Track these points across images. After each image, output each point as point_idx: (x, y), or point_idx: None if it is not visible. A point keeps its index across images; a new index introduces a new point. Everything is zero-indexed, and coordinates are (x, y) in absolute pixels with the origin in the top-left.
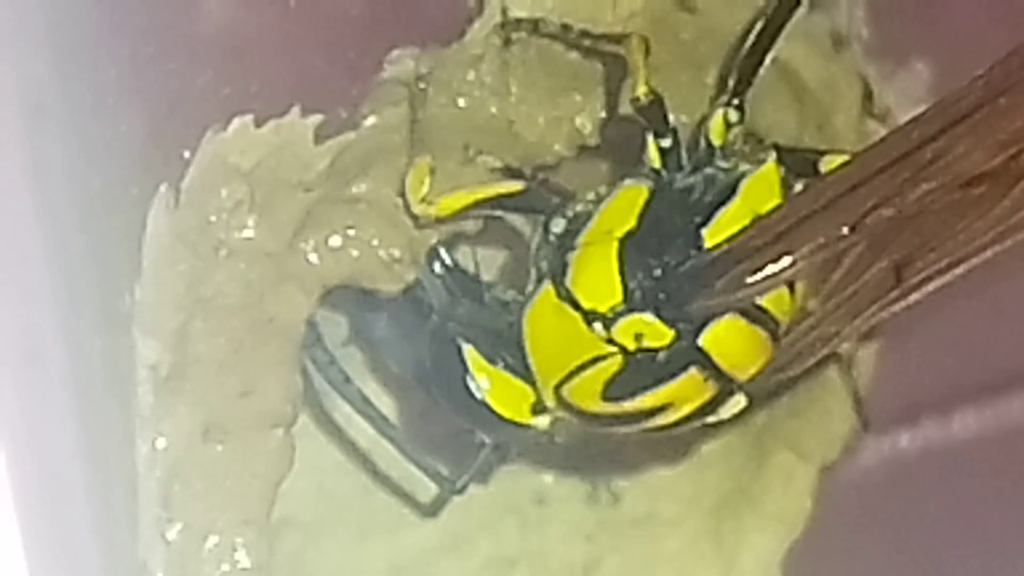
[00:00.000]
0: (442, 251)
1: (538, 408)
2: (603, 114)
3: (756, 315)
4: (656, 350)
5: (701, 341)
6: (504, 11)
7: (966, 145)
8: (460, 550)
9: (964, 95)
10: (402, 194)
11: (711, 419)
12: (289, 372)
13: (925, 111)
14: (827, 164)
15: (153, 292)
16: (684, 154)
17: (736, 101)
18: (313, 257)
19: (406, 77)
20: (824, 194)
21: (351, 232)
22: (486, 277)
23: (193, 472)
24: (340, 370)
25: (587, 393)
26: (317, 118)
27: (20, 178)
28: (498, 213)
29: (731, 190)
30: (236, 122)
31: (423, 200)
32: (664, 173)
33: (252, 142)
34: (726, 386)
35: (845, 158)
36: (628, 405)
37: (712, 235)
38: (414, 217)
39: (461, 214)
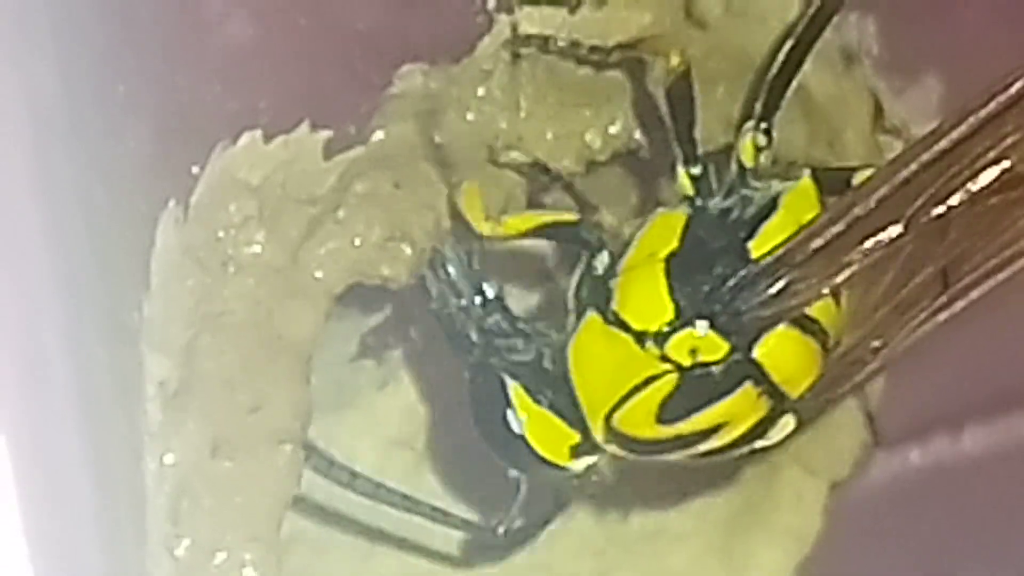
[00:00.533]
0: (486, 286)
1: (579, 451)
2: (613, 129)
3: (807, 325)
4: (711, 364)
5: (755, 353)
6: (514, 27)
7: (1015, 138)
8: (469, 566)
9: (1010, 86)
10: (457, 215)
11: (760, 443)
12: (298, 388)
13: (974, 103)
14: (860, 180)
15: (161, 308)
16: (715, 180)
17: (764, 125)
18: (320, 273)
19: (415, 92)
20: (872, 195)
21: (349, 226)
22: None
23: (202, 488)
24: (343, 468)
25: (641, 418)
26: (326, 133)
27: (28, 193)
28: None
29: (772, 205)
30: (245, 137)
31: (488, 219)
32: (698, 200)
33: (261, 157)
34: (778, 404)
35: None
36: (683, 426)
37: (758, 247)
38: (479, 238)
39: (525, 234)
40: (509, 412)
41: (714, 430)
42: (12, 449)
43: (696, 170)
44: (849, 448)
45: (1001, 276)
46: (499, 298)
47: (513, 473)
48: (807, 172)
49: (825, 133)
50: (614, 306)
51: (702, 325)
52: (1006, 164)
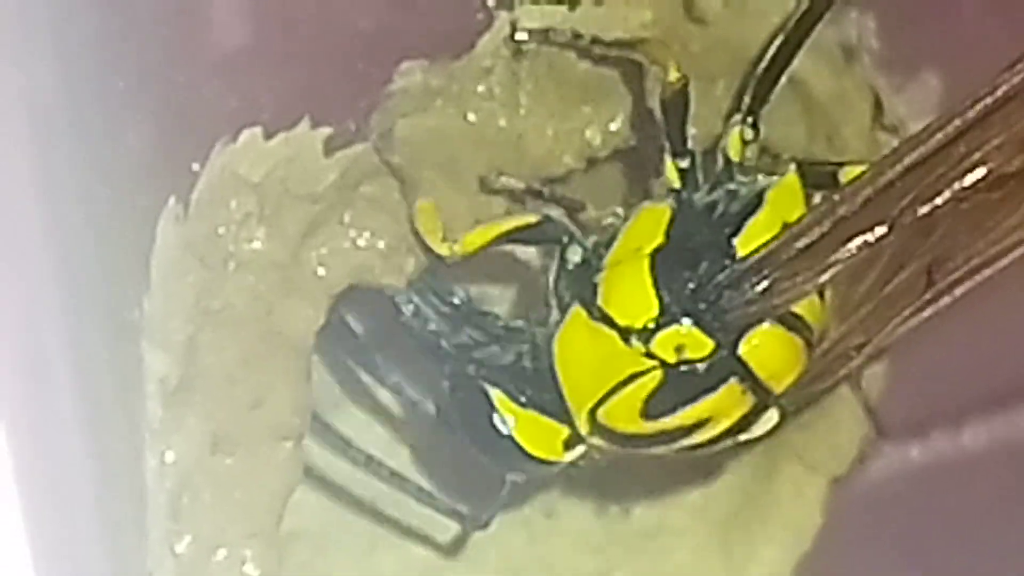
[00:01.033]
0: (454, 295)
1: (571, 443)
2: (614, 126)
3: (792, 322)
4: (696, 361)
5: (740, 350)
6: (514, 23)
7: (1000, 140)
8: (469, 562)
9: (996, 89)
10: (416, 233)
11: (744, 436)
12: (298, 384)
13: (961, 106)
14: (846, 175)
15: (162, 304)
16: (701, 173)
17: (751, 119)
18: (321, 270)
19: (415, 89)
20: (859, 194)
21: (352, 230)
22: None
23: (202, 484)
24: (338, 436)
25: (625, 413)
26: (326, 130)
27: (28, 190)
28: (508, 247)
29: (757, 201)
30: (245, 134)
31: (444, 240)
32: (684, 193)
33: (261, 154)
34: (762, 399)
35: (864, 168)
36: (668, 422)
37: (744, 244)
38: (439, 258)
39: (485, 248)
40: (495, 417)
41: (698, 425)
42: (13, 446)
43: (684, 163)
44: (849, 444)
45: (986, 273)
46: (469, 304)
47: (510, 476)
48: (792, 167)
49: (824, 129)
50: (599, 301)
51: (687, 323)
52: (991, 165)
